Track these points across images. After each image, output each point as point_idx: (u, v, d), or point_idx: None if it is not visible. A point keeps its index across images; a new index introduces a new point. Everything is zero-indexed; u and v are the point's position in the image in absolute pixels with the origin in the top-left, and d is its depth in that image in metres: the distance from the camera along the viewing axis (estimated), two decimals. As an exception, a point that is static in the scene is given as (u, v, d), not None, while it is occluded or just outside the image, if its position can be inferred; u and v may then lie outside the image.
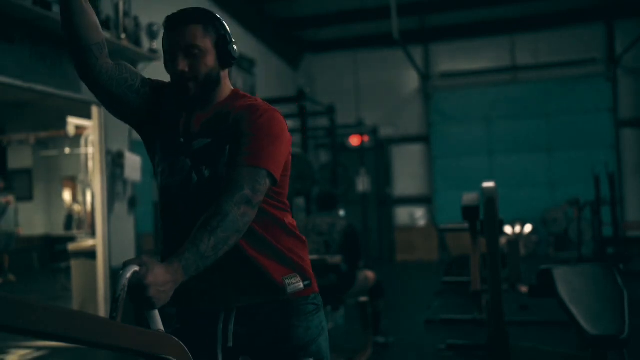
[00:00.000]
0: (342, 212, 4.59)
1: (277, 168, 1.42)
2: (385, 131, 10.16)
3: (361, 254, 4.25)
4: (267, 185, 1.40)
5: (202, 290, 1.48)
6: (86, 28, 1.41)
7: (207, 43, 1.46)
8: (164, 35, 1.49)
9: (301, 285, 1.51)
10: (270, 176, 1.40)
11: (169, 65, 1.48)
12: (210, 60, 1.47)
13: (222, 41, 1.49)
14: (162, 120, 1.54)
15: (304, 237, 1.59)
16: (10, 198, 8.43)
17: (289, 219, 1.56)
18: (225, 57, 1.50)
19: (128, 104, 1.52)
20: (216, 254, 1.27)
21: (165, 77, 1.57)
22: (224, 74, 1.53)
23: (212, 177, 1.45)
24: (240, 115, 1.47)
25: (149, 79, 1.59)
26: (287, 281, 1.48)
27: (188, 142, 1.49)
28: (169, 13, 1.50)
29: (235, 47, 1.53)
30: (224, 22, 1.53)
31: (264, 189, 1.39)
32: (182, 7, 1.52)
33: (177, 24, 1.46)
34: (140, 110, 1.54)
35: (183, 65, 1.44)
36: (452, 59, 10.28)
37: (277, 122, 1.47)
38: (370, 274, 4.24)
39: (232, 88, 1.58)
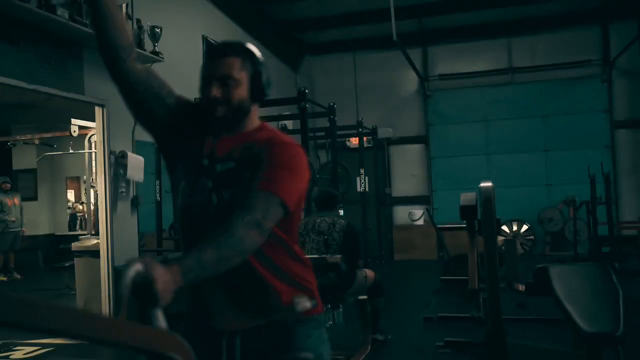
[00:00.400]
0: (341, 212, 4.63)
1: (291, 200, 1.45)
2: (384, 132, 10.20)
3: (361, 253, 4.29)
4: (279, 214, 1.43)
5: (210, 309, 1.52)
6: (114, 30, 1.46)
7: (242, 75, 1.52)
8: (203, 63, 1.55)
9: (308, 304, 1.55)
10: (283, 206, 1.43)
11: (204, 91, 1.52)
12: (243, 91, 1.52)
13: (257, 77, 1.55)
14: (186, 139, 1.57)
15: (309, 262, 1.63)
16: (16, 198, 8.48)
17: (297, 247, 1.59)
18: (258, 92, 1.55)
19: (152, 111, 1.55)
20: (216, 269, 1.29)
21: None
22: (254, 108, 1.58)
23: (231, 201, 1.48)
24: (264, 146, 1.50)
25: (180, 95, 1.63)
26: (296, 300, 1.53)
27: (211, 165, 1.53)
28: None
29: (270, 86, 1.59)
30: (264, 61, 1.59)
31: (276, 217, 1.42)
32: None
33: (217, 54, 1.52)
34: (163, 121, 1.57)
35: (216, 92, 1.49)
36: (451, 61, 10.33)
37: (298, 157, 1.51)
38: (370, 273, 4.27)
39: (260, 122, 1.62)
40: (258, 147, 1.51)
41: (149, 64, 5.47)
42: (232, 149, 1.53)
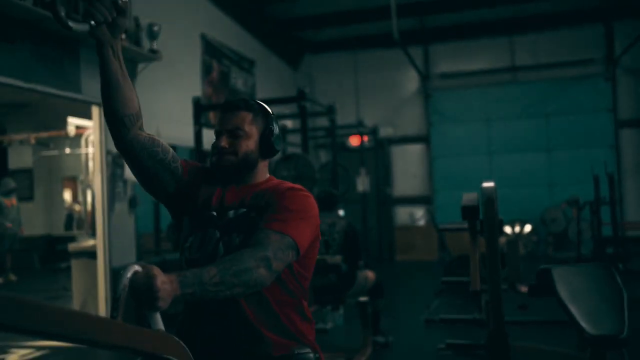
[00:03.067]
0: (341, 212, 4.58)
1: (303, 241, 1.46)
2: (385, 131, 10.17)
3: (361, 253, 4.25)
4: (290, 256, 1.43)
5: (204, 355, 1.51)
6: (120, 100, 1.47)
7: (252, 129, 1.57)
8: (217, 116, 1.61)
9: (311, 355, 1.54)
10: (295, 248, 1.43)
11: (214, 142, 1.58)
12: (251, 144, 1.57)
13: (268, 133, 1.58)
14: (193, 198, 1.60)
15: (314, 321, 1.64)
16: (14, 199, 8.45)
17: (305, 304, 1.60)
18: (267, 148, 1.59)
19: (156, 176, 1.57)
20: (216, 292, 1.27)
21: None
22: (263, 163, 1.62)
23: (241, 245, 1.48)
24: (274, 191, 1.54)
25: (184, 159, 1.65)
26: (297, 351, 1.52)
27: (221, 214, 1.55)
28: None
29: (280, 143, 1.62)
30: (275, 119, 1.63)
31: (287, 259, 1.42)
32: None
33: (230, 108, 1.59)
34: (168, 185, 1.60)
35: (225, 142, 1.55)
36: (452, 60, 10.29)
37: (307, 201, 1.53)
38: (370, 274, 4.24)
39: (269, 176, 1.65)
40: (269, 193, 1.54)
41: (147, 63, 5.43)
42: (243, 196, 1.56)
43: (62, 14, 1.30)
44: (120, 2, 1.37)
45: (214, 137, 1.60)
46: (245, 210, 1.54)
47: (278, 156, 5.31)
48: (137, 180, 1.62)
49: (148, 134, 1.55)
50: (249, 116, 1.57)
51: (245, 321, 1.48)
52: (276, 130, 1.61)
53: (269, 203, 1.51)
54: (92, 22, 1.35)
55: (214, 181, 1.60)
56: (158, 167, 1.55)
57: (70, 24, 1.31)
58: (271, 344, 1.49)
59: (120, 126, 1.49)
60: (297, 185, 1.58)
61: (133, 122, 1.50)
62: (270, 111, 1.63)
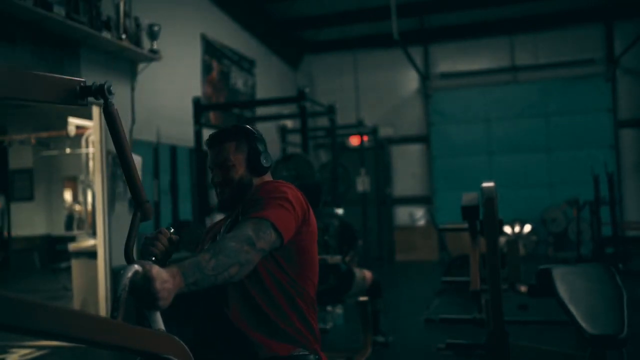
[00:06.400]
0: (340, 211, 4.54)
1: (282, 223, 1.48)
2: (385, 131, 10.17)
3: (356, 244, 4.20)
4: (271, 236, 1.45)
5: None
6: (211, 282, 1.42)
7: (238, 157, 1.67)
8: (207, 153, 1.72)
9: (311, 357, 1.56)
10: (275, 229, 1.46)
11: (211, 179, 1.71)
12: (241, 170, 1.68)
13: (254, 153, 1.67)
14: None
15: (316, 322, 1.65)
16: (1, 202, 8.37)
17: (304, 305, 1.59)
18: (256, 167, 1.68)
19: None
20: (215, 277, 1.28)
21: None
22: (258, 179, 1.71)
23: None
24: (256, 190, 1.65)
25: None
26: (294, 354, 1.54)
27: (221, 232, 1.68)
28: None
29: (267, 157, 1.70)
30: (259, 135, 1.71)
31: (269, 238, 1.44)
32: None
33: (214, 143, 1.69)
34: None
35: (219, 176, 1.67)
36: (452, 60, 10.29)
37: (284, 189, 1.58)
38: (367, 274, 4.24)
39: (265, 181, 1.74)
40: (253, 195, 1.63)
41: (147, 63, 5.43)
42: (238, 210, 1.66)
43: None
44: (173, 237, 1.56)
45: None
46: (235, 218, 1.63)
47: (278, 156, 5.30)
48: None
49: (201, 250, 1.56)
50: (232, 145, 1.66)
51: (227, 322, 1.50)
52: (261, 147, 1.69)
53: (253, 201, 1.57)
54: (152, 259, 1.54)
55: (223, 214, 1.77)
56: None
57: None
58: (259, 345, 1.50)
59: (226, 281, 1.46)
60: (281, 181, 1.66)
61: (227, 276, 1.40)
62: (253, 131, 1.71)
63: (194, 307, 1.54)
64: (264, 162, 1.68)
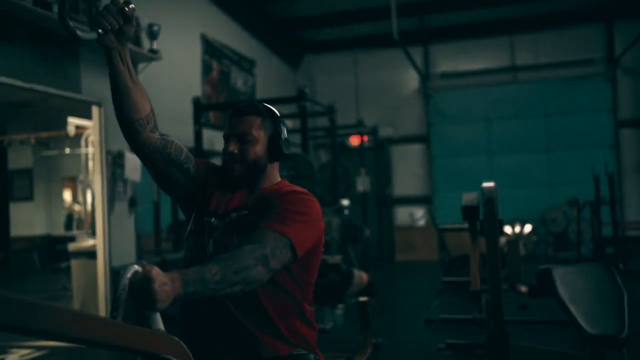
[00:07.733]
0: (345, 202, 4.47)
1: (301, 244, 1.45)
2: (385, 131, 10.17)
3: (362, 234, 4.19)
4: (287, 256, 1.42)
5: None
6: (129, 105, 1.48)
7: (260, 134, 1.58)
8: (226, 121, 1.62)
9: (311, 356, 1.55)
10: (292, 249, 1.43)
11: (224, 148, 1.61)
12: (260, 149, 1.58)
13: (276, 136, 1.60)
14: (205, 200, 1.62)
15: (317, 326, 1.64)
16: None
17: (309, 309, 1.59)
18: (275, 152, 1.61)
19: (171, 176, 1.60)
20: (217, 290, 1.27)
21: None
22: (273, 166, 1.63)
23: (240, 246, 1.49)
24: (276, 193, 1.56)
25: (202, 160, 1.69)
26: (296, 353, 1.53)
27: (225, 216, 1.57)
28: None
29: (289, 146, 1.64)
30: (284, 121, 1.65)
31: (284, 258, 1.41)
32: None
33: (239, 113, 1.60)
34: (182, 185, 1.63)
35: (234, 147, 1.57)
36: (452, 60, 10.29)
37: (309, 204, 1.53)
38: (363, 275, 4.25)
39: (280, 179, 1.66)
40: (272, 195, 1.56)
41: (147, 63, 5.43)
42: (248, 200, 1.58)
43: (70, 23, 1.31)
44: (126, 9, 1.39)
45: (214, 137, 1.61)
46: (247, 212, 1.55)
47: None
48: (153, 180, 1.66)
49: (161, 136, 1.57)
50: (257, 120, 1.58)
51: (235, 323, 1.48)
52: (284, 133, 1.62)
53: (271, 205, 1.51)
54: (100, 31, 1.37)
55: (227, 185, 1.62)
56: (171, 167, 1.59)
57: (78, 32, 1.33)
58: (265, 345, 1.49)
59: (132, 130, 1.51)
60: (301, 189, 1.58)
61: (144, 125, 1.51)
62: (278, 114, 1.64)
63: (199, 304, 1.52)
64: (284, 148, 1.61)
